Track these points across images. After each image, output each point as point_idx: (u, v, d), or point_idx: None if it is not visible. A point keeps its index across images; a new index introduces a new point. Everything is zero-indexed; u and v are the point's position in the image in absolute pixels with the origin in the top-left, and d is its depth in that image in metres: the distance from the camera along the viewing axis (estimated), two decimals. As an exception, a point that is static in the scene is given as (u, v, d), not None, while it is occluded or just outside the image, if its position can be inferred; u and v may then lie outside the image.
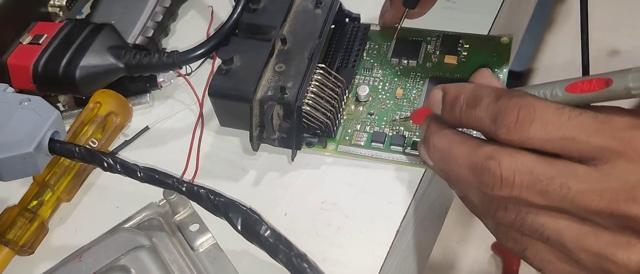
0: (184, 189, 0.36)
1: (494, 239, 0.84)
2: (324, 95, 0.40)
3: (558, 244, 0.30)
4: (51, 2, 0.46)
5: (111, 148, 0.44)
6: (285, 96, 0.38)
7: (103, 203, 0.42)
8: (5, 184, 0.42)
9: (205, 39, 0.48)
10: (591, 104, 0.30)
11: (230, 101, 0.40)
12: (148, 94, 0.46)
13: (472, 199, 0.33)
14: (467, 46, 0.43)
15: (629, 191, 0.27)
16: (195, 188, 0.36)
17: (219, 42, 0.42)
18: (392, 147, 0.39)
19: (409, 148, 0.39)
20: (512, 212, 0.31)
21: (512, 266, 0.80)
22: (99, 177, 0.43)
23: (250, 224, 0.36)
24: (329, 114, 0.40)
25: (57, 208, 0.41)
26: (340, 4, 0.44)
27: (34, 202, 0.40)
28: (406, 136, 0.40)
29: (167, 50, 0.45)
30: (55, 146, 0.37)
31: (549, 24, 0.85)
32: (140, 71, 0.42)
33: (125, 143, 0.44)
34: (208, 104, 0.45)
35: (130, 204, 0.40)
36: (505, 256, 0.81)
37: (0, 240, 0.39)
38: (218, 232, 0.38)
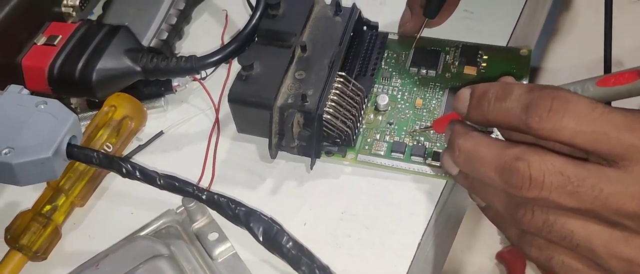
0: (204, 197, 0.36)
1: (498, 248, 0.84)
2: (344, 103, 0.39)
3: (587, 251, 0.29)
4: (64, 2, 0.46)
5: (125, 153, 0.43)
6: (306, 103, 0.38)
7: (117, 209, 0.41)
8: (16, 188, 0.41)
9: (220, 43, 0.48)
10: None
11: (250, 107, 0.39)
12: (162, 98, 0.45)
13: (496, 205, 0.32)
14: (486, 57, 0.43)
15: None
16: (216, 197, 0.36)
17: (238, 47, 0.42)
18: (412, 157, 0.39)
19: (429, 159, 0.39)
20: (540, 218, 0.30)
21: (517, 275, 0.81)
22: (113, 182, 0.42)
23: (271, 235, 0.35)
24: (348, 123, 0.39)
25: (71, 213, 0.41)
26: (360, 11, 0.43)
27: (48, 207, 0.39)
28: (427, 146, 0.40)
29: (181, 54, 0.44)
30: (73, 151, 0.36)
31: (554, 33, 0.86)
32: (157, 75, 0.42)
33: (139, 148, 0.44)
34: (223, 110, 0.45)
35: (145, 210, 0.40)
36: (509, 265, 0.82)
37: (13, 245, 0.38)
38: (235, 241, 0.37)
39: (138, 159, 0.43)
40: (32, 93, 0.40)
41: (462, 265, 0.79)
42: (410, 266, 0.36)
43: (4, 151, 0.35)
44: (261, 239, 0.35)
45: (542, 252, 0.31)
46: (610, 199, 0.28)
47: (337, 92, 0.39)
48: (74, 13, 0.46)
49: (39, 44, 0.42)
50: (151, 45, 0.45)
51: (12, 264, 0.38)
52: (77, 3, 0.46)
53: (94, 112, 0.44)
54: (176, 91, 0.45)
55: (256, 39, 0.42)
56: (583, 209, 0.28)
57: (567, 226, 0.29)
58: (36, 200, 0.40)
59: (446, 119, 0.36)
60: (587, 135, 0.28)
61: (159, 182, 0.36)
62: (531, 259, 0.32)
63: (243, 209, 0.36)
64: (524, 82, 0.41)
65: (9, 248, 0.38)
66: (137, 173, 0.36)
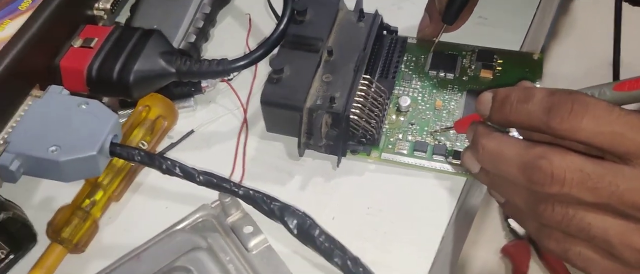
0: (241, 193, 0.38)
1: (503, 243, 0.87)
2: (368, 105, 0.42)
3: (603, 242, 0.32)
4: (96, 6, 0.48)
5: (158, 150, 0.45)
6: (334, 105, 0.40)
7: (152, 203, 0.43)
8: (51, 184, 0.43)
9: (245, 45, 0.51)
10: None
11: (281, 109, 0.41)
12: (192, 98, 0.47)
13: (516, 201, 0.35)
14: (501, 61, 0.46)
15: None
16: (252, 192, 0.38)
17: (266, 52, 0.44)
18: (434, 156, 0.42)
19: (450, 158, 0.41)
20: (559, 212, 0.32)
21: (522, 269, 0.83)
22: (147, 177, 0.44)
23: (305, 228, 0.37)
24: (373, 123, 0.42)
25: (108, 207, 0.43)
26: (381, 17, 0.46)
27: (87, 202, 0.41)
28: (447, 145, 0.42)
29: (207, 57, 0.46)
30: (116, 149, 0.39)
31: (554, 36, 0.89)
32: (190, 77, 0.44)
33: (171, 146, 0.46)
34: (251, 109, 0.47)
35: (179, 204, 0.42)
36: (514, 259, 0.85)
37: (55, 238, 0.40)
38: (267, 234, 0.39)
39: (170, 156, 0.45)
40: (70, 93, 0.42)
41: (469, 259, 0.81)
42: (434, 259, 0.38)
43: (51, 149, 0.37)
44: (295, 232, 0.38)
45: (559, 244, 0.34)
46: (626, 195, 0.30)
47: (363, 94, 0.41)
48: (105, 16, 0.48)
49: (75, 46, 0.44)
50: (181, 47, 0.47)
51: (54, 256, 0.40)
52: (109, 6, 0.48)
53: (127, 111, 0.46)
54: (205, 91, 0.47)
55: (284, 43, 0.44)
56: (600, 204, 0.31)
57: (585, 219, 0.32)
58: (76, 195, 0.42)
59: (467, 120, 0.39)
60: (605, 136, 0.31)
61: (198, 179, 0.38)
62: (549, 251, 0.34)
63: (278, 204, 0.38)
64: (538, 85, 0.44)
65: (49, 241, 0.41)
66: (177, 170, 0.38)
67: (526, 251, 0.84)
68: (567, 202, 0.32)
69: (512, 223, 0.87)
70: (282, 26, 0.44)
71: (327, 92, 0.41)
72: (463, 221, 0.44)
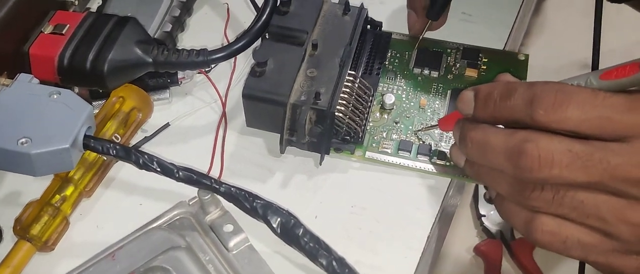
0: (222, 190, 0.37)
1: (475, 242, 0.87)
2: (353, 101, 0.41)
3: (598, 220, 0.31)
4: (67, -9, 0.45)
5: (131, 144, 0.43)
6: (319, 101, 0.39)
7: (125, 200, 0.41)
8: (16, 178, 0.41)
9: (223, 36, 0.49)
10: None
11: (263, 103, 0.40)
12: (168, 90, 0.45)
13: (506, 191, 0.33)
14: (486, 60, 0.45)
15: None
16: (233, 189, 0.37)
17: (248, 42, 0.42)
18: (418, 156, 0.41)
19: (435, 158, 0.41)
20: (550, 192, 0.31)
21: (494, 267, 0.84)
22: (120, 172, 0.42)
23: (289, 228, 0.36)
24: (357, 120, 0.41)
25: (79, 203, 0.41)
26: (367, 11, 0.45)
27: (57, 197, 0.39)
28: (431, 146, 0.41)
29: (183, 47, 0.45)
30: (90, 142, 0.37)
31: (526, 35, 0.89)
32: (167, 68, 0.42)
33: (145, 139, 0.44)
34: (230, 103, 0.45)
35: (155, 201, 0.41)
36: (487, 257, 0.85)
37: (23, 235, 0.38)
38: (248, 233, 0.38)
39: (145, 150, 0.43)
40: (40, 83, 0.40)
41: (442, 257, 0.81)
42: (420, 258, 0.38)
43: (20, 141, 0.35)
44: (279, 231, 0.36)
45: (555, 236, 0.32)
46: (617, 170, 0.30)
47: (348, 90, 0.40)
48: (77, 2, 0.46)
49: (46, 32, 0.42)
50: (156, 37, 0.45)
51: (21, 255, 0.38)
52: (80, -8, 0.46)
53: (99, 103, 0.44)
54: (181, 83, 0.45)
55: (267, 35, 0.43)
56: (592, 182, 0.30)
57: (577, 198, 0.31)
58: (45, 190, 0.40)
59: (452, 118, 0.38)
60: (592, 121, 0.30)
61: (177, 175, 0.37)
62: (545, 245, 0.33)
63: (260, 202, 0.37)
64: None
65: (16, 239, 0.38)
66: (155, 165, 0.37)
67: (498, 250, 0.85)
68: (558, 185, 0.31)
69: (485, 221, 0.88)
70: (265, 16, 0.43)
71: (312, 88, 0.40)
72: (444, 221, 0.43)
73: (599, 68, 0.41)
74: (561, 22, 0.92)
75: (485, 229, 0.88)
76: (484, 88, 0.34)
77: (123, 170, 0.42)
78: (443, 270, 0.82)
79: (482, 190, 0.89)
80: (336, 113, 0.39)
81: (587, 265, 0.40)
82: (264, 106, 0.40)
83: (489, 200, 0.87)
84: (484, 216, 0.88)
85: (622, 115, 0.30)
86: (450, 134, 0.41)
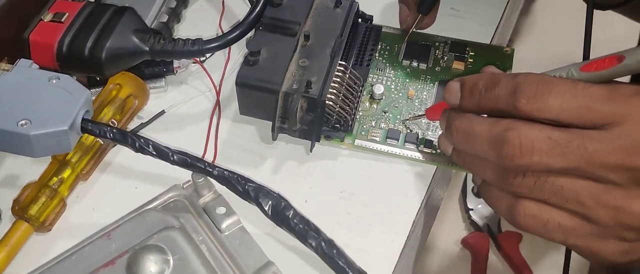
0: (215, 173, 0.38)
1: (463, 234, 0.89)
2: (343, 91, 0.42)
3: (577, 204, 0.32)
4: (67, -20, 0.46)
5: (127, 130, 0.44)
6: (310, 90, 0.40)
7: (121, 183, 0.42)
8: (15, 160, 0.42)
9: (218, 27, 0.50)
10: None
11: (256, 91, 0.41)
12: (163, 79, 0.47)
13: (489, 177, 0.35)
14: (473, 53, 0.46)
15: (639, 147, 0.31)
16: (226, 173, 0.38)
17: (242, 33, 0.44)
18: (406, 144, 0.42)
19: (422, 146, 0.42)
20: (531, 178, 0.33)
21: (481, 259, 0.85)
22: (116, 157, 0.44)
23: (279, 210, 0.38)
24: (348, 109, 0.42)
25: (75, 186, 0.42)
26: (358, 4, 0.46)
27: (55, 179, 0.40)
28: (418, 134, 0.43)
29: (179, 37, 0.46)
30: (88, 125, 0.38)
31: (515, 33, 0.91)
32: (164, 56, 0.43)
33: (142, 126, 0.45)
34: (223, 92, 0.46)
35: (150, 184, 0.42)
36: (474, 249, 0.86)
37: (21, 216, 0.39)
38: (240, 215, 0.39)
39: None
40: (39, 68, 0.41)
41: (430, 249, 0.83)
42: (405, 242, 0.39)
43: (20, 122, 0.36)
44: (270, 213, 0.38)
45: (536, 219, 0.34)
46: (595, 156, 0.31)
47: (338, 80, 0.42)
48: (76, -9, 0.47)
49: (45, 20, 0.43)
50: (152, 27, 0.47)
51: (19, 234, 0.39)
52: (79, -18, 0.47)
53: (96, 90, 0.45)
54: (177, 72, 0.47)
55: (260, 26, 0.44)
56: (571, 168, 0.32)
57: (557, 183, 0.32)
58: (43, 172, 0.41)
59: (438, 107, 0.39)
60: (572, 110, 0.32)
61: (171, 158, 0.38)
62: (527, 229, 0.34)
63: (252, 185, 0.38)
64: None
65: (15, 219, 0.39)
66: (151, 148, 0.38)
67: (485, 242, 0.86)
68: (539, 171, 0.33)
69: (473, 215, 0.89)
70: (258, 8, 0.44)
71: (304, 77, 0.41)
72: (430, 210, 0.44)
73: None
74: (550, 22, 0.94)
75: (473, 223, 0.89)
76: (470, 79, 0.36)
77: (119, 154, 0.44)
78: (431, 262, 0.83)
79: (470, 184, 0.91)
80: (327, 102, 0.40)
81: (572, 257, 0.41)
82: (256, 94, 0.41)
83: (477, 194, 0.89)
84: (472, 209, 0.90)
85: (601, 104, 0.32)
86: (437, 123, 0.43)
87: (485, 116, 0.35)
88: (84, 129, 0.38)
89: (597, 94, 0.32)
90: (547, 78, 0.33)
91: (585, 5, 0.43)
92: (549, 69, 0.35)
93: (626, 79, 0.37)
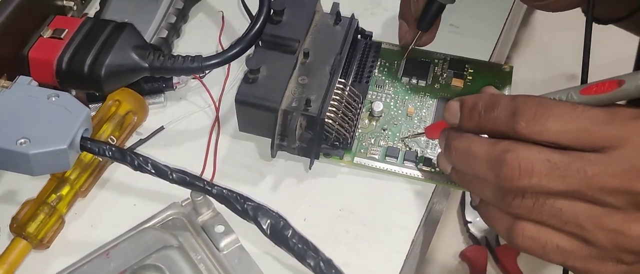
0: (214, 192, 0.38)
1: (461, 247, 0.89)
2: (343, 108, 0.42)
3: (575, 227, 0.32)
4: (66, -4, 0.47)
5: (126, 146, 0.44)
6: (310, 108, 0.41)
7: (119, 200, 0.42)
8: (13, 177, 0.42)
9: (217, 43, 0.50)
10: None
11: (255, 109, 0.41)
12: (162, 95, 0.47)
13: (488, 197, 0.35)
14: (472, 71, 0.47)
15: (639, 171, 0.31)
16: (225, 191, 0.38)
17: (242, 50, 0.44)
18: (405, 162, 0.42)
19: (421, 164, 0.42)
20: (530, 200, 0.33)
21: (480, 273, 0.85)
22: (115, 173, 0.44)
23: (278, 229, 0.37)
24: (347, 126, 0.42)
25: (74, 203, 0.42)
26: (358, 22, 0.46)
27: (53, 197, 0.40)
28: (418, 152, 0.43)
29: (179, 53, 0.46)
30: (87, 144, 0.38)
31: (514, 46, 0.91)
32: (163, 73, 0.43)
33: (140, 142, 0.45)
34: (223, 108, 0.46)
35: (148, 201, 0.42)
36: (472, 263, 0.86)
37: (19, 233, 0.39)
38: (238, 234, 0.39)
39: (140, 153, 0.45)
40: (39, 85, 0.41)
41: (429, 262, 0.83)
42: (404, 261, 0.39)
43: (20, 141, 0.36)
44: (268, 232, 0.37)
45: (534, 241, 0.34)
46: (594, 179, 0.31)
47: (338, 98, 0.42)
48: (75, 7, 0.47)
49: (45, 36, 0.43)
50: (152, 42, 0.47)
51: (17, 252, 0.39)
52: (79, -2, 0.47)
53: (95, 106, 0.45)
54: (176, 88, 0.47)
55: (260, 43, 0.44)
56: (570, 191, 0.32)
57: (556, 205, 0.32)
58: (41, 189, 0.41)
59: (438, 126, 0.39)
60: (571, 133, 0.32)
61: (170, 177, 0.38)
62: (525, 250, 0.34)
63: (251, 204, 0.38)
64: (506, 93, 0.45)
65: (13, 236, 0.39)
66: (150, 167, 0.38)
67: (483, 255, 0.86)
68: (538, 193, 0.32)
69: (471, 228, 0.89)
70: (258, 25, 0.44)
71: (303, 95, 0.41)
72: (429, 226, 0.44)
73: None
74: (548, 36, 0.94)
75: (471, 236, 0.89)
76: (470, 99, 0.36)
77: (118, 172, 0.44)
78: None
79: (468, 197, 0.91)
80: (326, 119, 0.41)
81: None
82: (256, 112, 0.41)
83: (475, 207, 0.88)
84: (470, 222, 0.90)
85: (600, 127, 0.32)
86: (436, 141, 0.43)
87: (485, 136, 0.35)
88: (83, 148, 0.38)
89: (596, 117, 0.32)
90: (546, 101, 0.33)
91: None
92: (548, 92, 0.35)
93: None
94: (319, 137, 0.41)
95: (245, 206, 0.38)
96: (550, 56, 0.89)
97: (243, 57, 0.44)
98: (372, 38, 0.48)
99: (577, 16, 0.46)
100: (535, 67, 0.91)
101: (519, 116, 0.32)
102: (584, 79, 0.43)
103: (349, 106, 0.42)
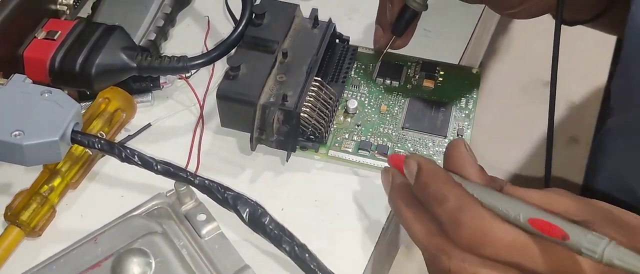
0: (196, 182, 0.41)
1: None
2: (318, 105, 0.45)
3: None
4: (60, 0, 0.49)
5: (115, 141, 0.47)
6: (286, 103, 0.43)
7: (108, 191, 0.45)
8: (7, 170, 0.45)
9: (204, 46, 0.53)
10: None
11: (235, 103, 0.44)
12: (150, 94, 0.49)
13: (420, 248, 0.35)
14: (443, 73, 0.49)
15: None
16: (207, 182, 0.41)
17: (224, 51, 0.46)
18: (377, 155, 0.45)
19: (391, 157, 0.45)
20: None
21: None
22: (104, 167, 0.46)
23: (256, 217, 0.40)
24: (322, 121, 0.45)
25: (65, 194, 0.44)
26: (334, 26, 0.49)
27: (45, 187, 0.43)
28: (389, 147, 0.45)
29: (165, 54, 0.48)
30: (77, 137, 0.40)
31: (492, 52, 0.94)
32: (150, 72, 0.46)
33: (129, 137, 0.47)
34: (207, 106, 0.49)
35: (135, 193, 0.44)
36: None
37: (13, 221, 0.41)
38: (220, 222, 0.42)
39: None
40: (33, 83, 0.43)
41: (411, 247, 0.84)
42: (374, 247, 0.41)
43: (14, 133, 0.39)
44: (247, 220, 0.40)
45: None
46: None
47: (313, 94, 0.45)
48: (68, 11, 0.50)
49: (39, 37, 0.46)
50: (141, 44, 0.49)
51: (11, 238, 0.41)
52: (72, 1, 0.50)
53: (86, 104, 0.48)
54: (163, 87, 0.49)
55: (241, 44, 0.47)
56: None
57: None
58: (34, 181, 0.43)
59: (400, 159, 0.37)
60: (506, 261, 0.32)
61: (156, 168, 0.40)
62: None
63: (231, 193, 0.40)
64: (472, 100, 0.48)
65: (7, 224, 0.42)
66: (136, 158, 0.40)
67: None
68: None
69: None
70: (240, 28, 0.47)
71: (280, 91, 0.44)
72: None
73: (556, 87, 0.43)
74: (526, 43, 0.97)
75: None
76: (425, 173, 0.35)
77: (107, 165, 0.46)
78: (405, 264, 0.85)
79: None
80: (302, 114, 0.43)
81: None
82: (236, 106, 0.44)
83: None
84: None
85: (535, 265, 0.31)
86: (406, 137, 0.46)
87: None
88: (73, 140, 0.40)
89: (532, 253, 0.31)
90: (487, 228, 0.31)
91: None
92: (503, 197, 0.33)
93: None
94: (295, 131, 0.44)
95: (226, 195, 0.40)
96: (528, 62, 0.92)
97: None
98: (350, 42, 0.51)
99: (552, 23, 0.49)
100: (513, 74, 0.94)
101: (457, 236, 0.32)
102: (553, 83, 0.44)
103: (324, 103, 0.45)
